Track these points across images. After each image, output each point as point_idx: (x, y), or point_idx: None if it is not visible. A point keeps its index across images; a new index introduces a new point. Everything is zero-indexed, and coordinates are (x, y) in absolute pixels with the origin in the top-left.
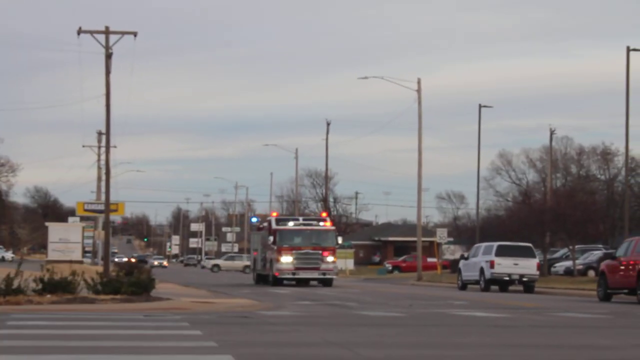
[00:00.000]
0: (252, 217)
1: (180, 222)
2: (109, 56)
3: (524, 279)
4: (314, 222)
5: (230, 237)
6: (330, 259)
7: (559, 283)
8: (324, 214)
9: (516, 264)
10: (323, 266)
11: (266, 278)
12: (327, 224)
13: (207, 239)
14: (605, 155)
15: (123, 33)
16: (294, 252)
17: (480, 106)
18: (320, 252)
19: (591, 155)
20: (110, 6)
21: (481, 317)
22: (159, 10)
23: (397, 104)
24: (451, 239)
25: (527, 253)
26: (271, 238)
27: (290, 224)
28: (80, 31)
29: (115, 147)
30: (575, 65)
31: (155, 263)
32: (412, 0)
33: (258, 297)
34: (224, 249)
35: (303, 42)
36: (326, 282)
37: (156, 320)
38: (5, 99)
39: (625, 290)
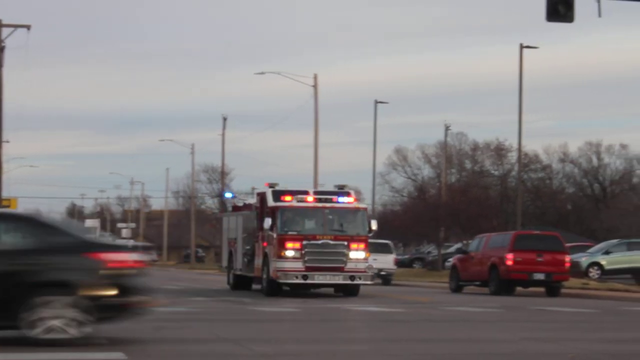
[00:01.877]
0: (225, 192)
1: (74, 217)
2: (1, 49)
3: (382, 273)
4: (333, 197)
5: (125, 233)
6: (360, 254)
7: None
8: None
9: (375, 259)
10: (350, 265)
11: (249, 282)
12: (352, 200)
13: (102, 236)
14: (499, 151)
15: (16, 26)
16: (305, 243)
17: (376, 102)
18: (345, 243)
19: (485, 151)
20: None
21: (376, 312)
22: (57, 4)
23: (295, 99)
24: None
25: (385, 249)
26: (268, 221)
27: (299, 199)
28: None
29: (8, 142)
30: (470, 62)
31: None
32: None
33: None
34: None
35: (201, 37)
36: (351, 290)
37: None
38: None
39: (477, 282)
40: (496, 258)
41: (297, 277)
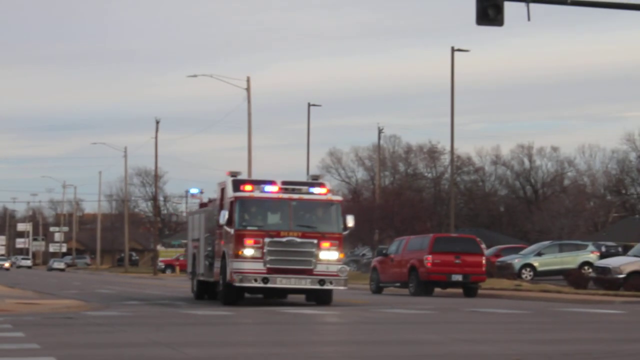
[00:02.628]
0: (190, 189)
1: (6, 222)
2: None
3: None
4: (303, 188)
5: (58, 236)
6: (333, 254)
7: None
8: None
9: None
10: (320, 268)
11: (213, 289)
12: (325, 191)
13: (35, 239)
14: (432, 154)
15: None
16: (267, 240)
17: (309, 105)
18: (315, 241)
19: (418, 153)
20: None
21: (310, 314)
22: None
23: (228, 102)
24: None
25: None
26: (224, 214)
27: (262, 189)
28: None
29: None
30: (401, 65)
31: None
32: None
33: None
34: (51, 249)
35: (133, 40)
36: (322, 297)
37: None
38: None
39: (397, 284)
40: (415, 260)
41: (255, 280)
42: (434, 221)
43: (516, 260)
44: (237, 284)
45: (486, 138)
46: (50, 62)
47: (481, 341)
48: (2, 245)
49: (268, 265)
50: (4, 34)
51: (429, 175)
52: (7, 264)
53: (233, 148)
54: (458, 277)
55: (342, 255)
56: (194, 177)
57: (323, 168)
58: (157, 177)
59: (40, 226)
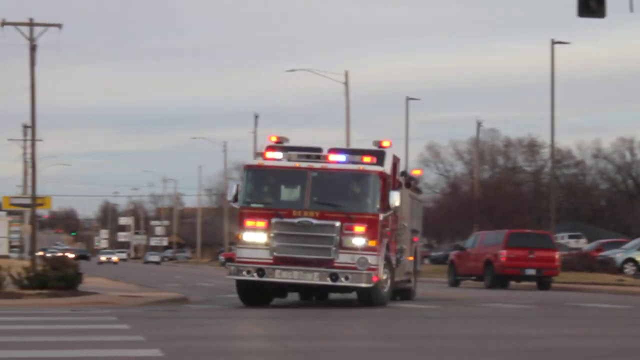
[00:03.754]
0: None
1: (108, 216)
2: (33, 48)
3: None
4: (329, 155)
5: (159, 230)
6: (360, 241)
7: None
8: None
9: None
10: (343, 259)
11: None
12: (368, 161)
13: (137, 233)
14: (532, 147)
15: (47, 25)
16: (275, 221)
17: (407, 99)
18: (337, 223)
19: (518, 147)
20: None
21: (409, 308)
22: (87, 3)
23: (324, 97)
24: None
25: None
26: (232, 188)
27: (279, 154)
28: (3, 23)
29: (41, 140)
30: (502, 58)
31: (103, 259)
32: None
33: None
34: (152, 242)
35: (230, 35)
36: (365, 297)
37: (83, 315)
38: None
39: (473, 277)
40: (491, 254)
41: (249, 273)
42: (534, 215)
43: (618, 255)
44: (230, 276)
45: (586, 131)
46: (148, 57)
47: (584, 336)
48: (105, 238)
49: (275, 254)
50: (105, 31)
51: (529, 168)
52: (115, 258)
53: (330, 142)
54: (532, 271)
55: (373, 243)
56: None
57: (421, 162)
58: None
59: (142, 220)
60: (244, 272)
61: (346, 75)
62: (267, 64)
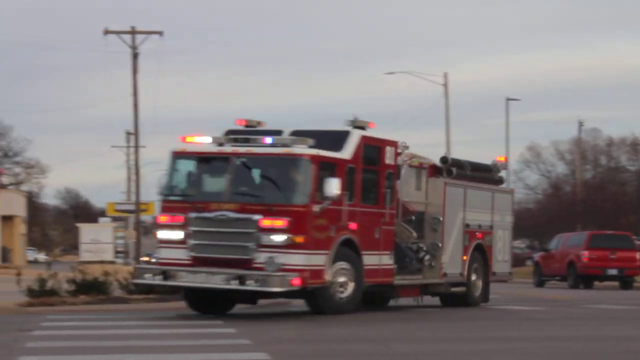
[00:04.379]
0: None
1: None
2: (135, 56)
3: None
4: (267, 138)
5: None
6: (279, 237)
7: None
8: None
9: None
10: (261, 258)
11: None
12: (305, 144)
13: None
14: (635, 146)
15: (149, 33)
16: (191, 216)
17: (507, 99)
18: (257, 217)
19: (621, 146)
20: (139, 7)
21: (516, 310)
22: (187, 10)
23: (422, 99)
24: None
25: None
26: (161, 179)
27: (207, 138)
28: (106, 32)
29: (144, 147)
30: (601, 56)
31: None
32: None
33: None
34: None
35: (326, 39)
36: (311, 303)
37: (189, 319)
38: (33, 101)
39: (558, 277)
40: (573, 255)
41: (153, 276)
42: (638, 214)
43: None
44: (135, 280)
45: None
46: (250, 63)
47: None
48: None
49: (192, 254)
50: (208, 37)
51: (632, 168)
52: None
53: (429, 144)
54: (613, 271)
55: (299, 239)
56: None
57: (522, 163)
58: None
59: None
60: (148, 275)
61: (445, 76)
62: (364, 68)
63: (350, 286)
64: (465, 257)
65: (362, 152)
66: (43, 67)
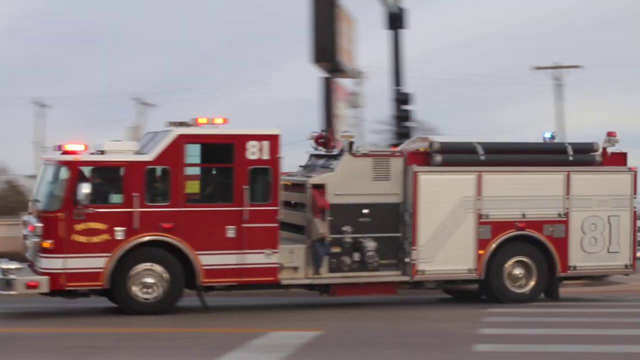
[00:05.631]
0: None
1: None
2: (558, 86)
3: None
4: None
5: None
6: (30, 242)
7: None
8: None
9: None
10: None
11: None
12: (63, 155)
13: None
14: None
15: (569, 67)
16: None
17: None
18: (36, 223)
19: None
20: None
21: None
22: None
23: None
24: None
25: None
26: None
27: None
28: (534, 68)
29: None
30: None
31: None
32: None
33: None
34: None
35: None
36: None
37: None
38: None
39: None
40: None
41: None
42: None
43: None
44: None
45: None
46: None
47: None
48: None
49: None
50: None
51: None
52: None
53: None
54: None
55: (46, 244)
56: None
57: None
58: None
59: None
60: None
61: None
62: None
63: (161, 286)
64: (481, 251)
65: (183, 151)
66: (480, 98)
